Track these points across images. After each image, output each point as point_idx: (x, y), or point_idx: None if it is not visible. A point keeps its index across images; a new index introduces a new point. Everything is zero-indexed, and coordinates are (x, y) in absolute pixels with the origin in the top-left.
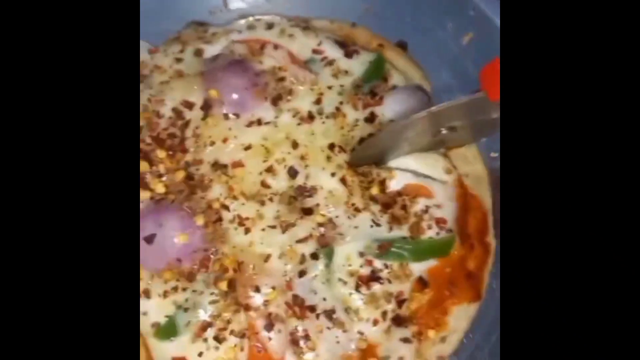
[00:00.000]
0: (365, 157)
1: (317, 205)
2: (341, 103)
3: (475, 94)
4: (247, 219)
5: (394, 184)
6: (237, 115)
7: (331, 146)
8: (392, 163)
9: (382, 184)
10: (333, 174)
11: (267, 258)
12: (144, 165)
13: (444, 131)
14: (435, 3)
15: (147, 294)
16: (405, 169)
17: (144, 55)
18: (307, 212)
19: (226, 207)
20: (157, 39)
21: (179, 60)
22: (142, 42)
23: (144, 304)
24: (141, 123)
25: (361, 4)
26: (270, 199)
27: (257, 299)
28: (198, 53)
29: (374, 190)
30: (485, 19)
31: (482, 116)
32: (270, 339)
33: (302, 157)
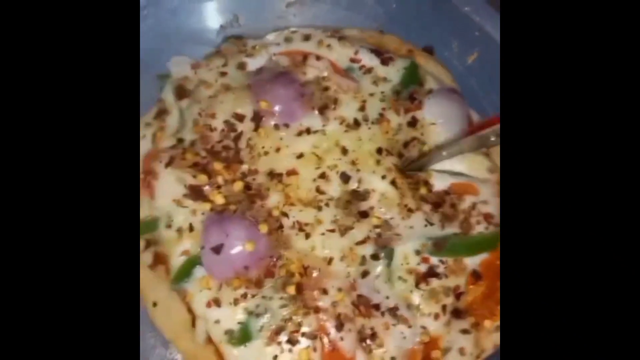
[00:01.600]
0: (413, 166)
1: (372, 208)
2: (384, 109)
3: None
4: (306, 224)
5: (440, 184)
6: (287, 126)
7: (379, 150)
8: (439, 166)
9: (427, 184)
10: (383, 177)
11: (330, 261)
12: (202, 178)
13: (492, 138)
14: (441, 24)
15: (218, 303)
16: (451, 171)
17: (187, 71)
18: (363, 215)
19: (285, 215)
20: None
21: (223, 74)
22: (183, 58)
23: (216, 313)
24: (194, 137)
25: (371, 23)
26: (327, 204)
27: (325, 301)
28: (241, 66)
29: (423, 191)
30: (490, 39)
31: None
32: (341, 338)
33: (353, 163)
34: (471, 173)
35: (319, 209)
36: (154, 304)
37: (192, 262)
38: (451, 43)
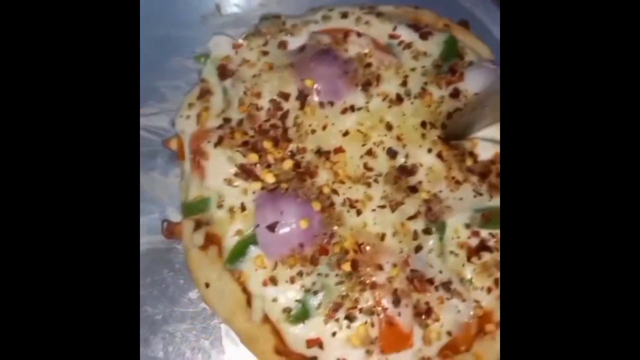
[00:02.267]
0: (456, 131)
1: (420, 182)
2: (426, 83)
3: None
4: (357, 201)
5: (485, 154)
6: (331, 104)
7: (423, 124)
8: (480, 134)
9: (472, 154)
10: (429, 150)
11: (382, 237)
12: (252, 157)
13: None
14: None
15: (274, 281)
16: (495, 139)
17: (229, 50)
18: (413, 190)
19: (335, 192)
20: (152, 44)
21: (265, 53)
22: (225, 37)
23: (273, 291)
24: (241, 116)
25: None
26: (376, 180)
27: (380, 277)
28: (282, 45)
29: (469, 162)
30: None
31: None
32: (399, 313)
33: (398, 138)
34: None
35: (368, 185)
36: (207, 285)
37: (246, 242)
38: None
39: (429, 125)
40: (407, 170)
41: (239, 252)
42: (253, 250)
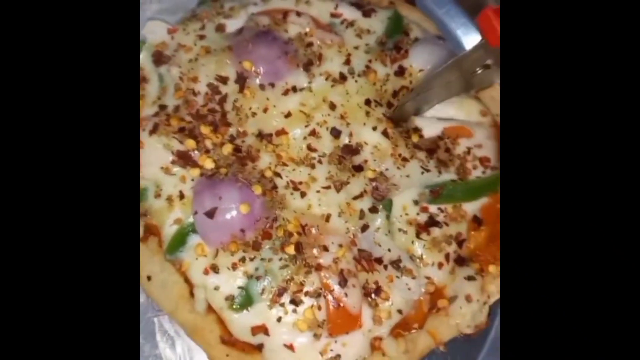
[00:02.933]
0: (403, 115)
1: (366, 161)
2: (370, 61)
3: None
4: (300, 183)
5: (431, 130)
6: (272, 85)
7: (367, 102)
8: (431, 112)
9: (417, 130)
10: (374, 128)
11: (327, 218)
12: (190, 143)
13: (479, 71)
14: None
15: (215, 269)
16: (445, 118)
17: (164, 36)
18: (358, 169)
19: (278, 175)
20: None
21: (201, 37)
22: (159, 23)
23: (214, 279)
24: (177, 102)
25: None
26: (320, 161)
27: (326, 258)
28: (220, 28)
29: (414, 138)
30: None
31: None
32: (346, 294)
33: (342, 117)
34: (463, 117)
35: (312, 166)
36: (149, 278)
37: (186, 231)
38: None
39: (373, 103)
40: (351, 150)
41: (179, 241)
42: (193, 239)
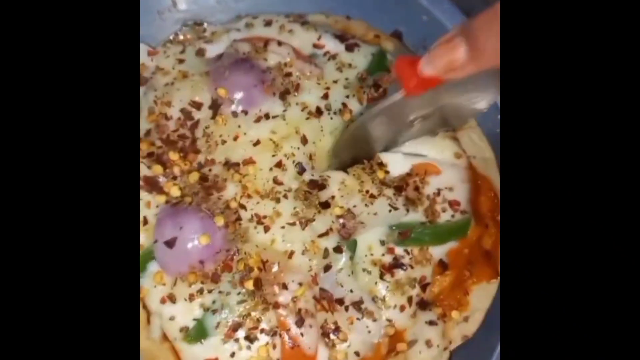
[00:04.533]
0: (349, 157)
1: (333, 197)
2: (347, 97)
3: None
4: (265, 217)
5: (399, 166)
6: (245, 112)
7: None
8: (403, 149)
9: (381, 165)
10: (337, 168)
11: (290, 255)
12: (157, 169)
13: (417, 121)
14: (389, 9)
15: (172, 299)
16: (414, 154)
17: (143, 58)
18: (324, 205)
19: (243, 207)
20: None
21: (181, 61)
22: (140, 45)
23: (170, 309)
24: (149, 126)
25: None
26: (285, 196)
27: (285, 296)
28: (200, 53)
29: (380, 174)
30: (438, 24)
31: (448, 101)
32: (302, 334)
33: (310, 157)
34: (436, 156)
35: (277, 200)
36: None
37: (146, 257)
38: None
39: None
40: (318, 185)
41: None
42: (153, 266)
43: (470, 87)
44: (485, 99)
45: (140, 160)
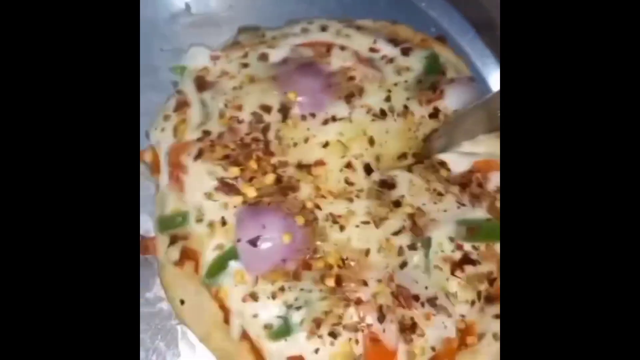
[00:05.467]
0: (431, 149)
1: (403, 196)
2: (408, 99)
3: None
4: (339, 216)
5: (456, 167)
6: (313, 115)
7: (402, 155)
8: (461, 148)
9: (443, 164)
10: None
11: (367, 253)
12: (233, 171)
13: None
14: (397, 20)
15: (255, 297)
16: (471, 152)
17: (206, 62)
18: (396, 204)
19: (318, 206)
20: None
21: (245, 65)
22: (201, 49)
23: (253, 307)
24: (222, 129)
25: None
26: (357, 196)
27: (365, 293)
28: (263, 57)
29: (443, 173)
30: (446, 35)
31: None
32: (384, 330)
33: (377, 159)
34: (492, 154)
35: (350, 200)
36: (182, 302)
37: (226, 257)
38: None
39: (404, 157)
40: (388, 184)
41: (219, 267)
42: (233, 266)
43: None
44: None
45: (216, 162)
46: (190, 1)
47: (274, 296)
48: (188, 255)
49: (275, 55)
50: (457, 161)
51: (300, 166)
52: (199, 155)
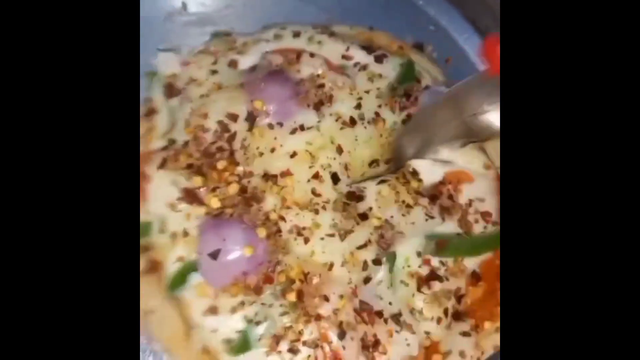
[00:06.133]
0: (401, 152)
1: (370, 209)
2: (379, 106)
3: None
4: (304, 228)
5: (429, 177)
6: (280, 124)
7: (372, 162)
8: (438, 155)
9: (415, 174)
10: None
11: (330, 267)
12: (197, 181)
13: (477, 113)
14: (396, 19)
15: (215, 311)
16: (446, 161)
17: (176, 68)
18: (363, 217)
19: (282, 218)
20: None
21: (214, 72)
22: (171, 54)
23: (213, 321)
24: (187, 137)
25: (322, 14)
26: (324, 207)
27: (326, 308)
28: (232, 64)
29: (414, 184)
30: (445, 33)
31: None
32: (344, 347)
33: (346, 167)
34: (466, 166)
35: (316, 212)
36: (148, 312)
37: (188, 269)
38: (405, 37)
39: (375, 163)
40: (355, 196)
41: (180, 279)
42: (194, 278)
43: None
44: None
45: (180, 172)
46: (187, 0)
47: (234, 310)
48: (154, 266)
49: (245, 62)
50: (430, 170)
51: (266, 176)
52: (163, 164)
